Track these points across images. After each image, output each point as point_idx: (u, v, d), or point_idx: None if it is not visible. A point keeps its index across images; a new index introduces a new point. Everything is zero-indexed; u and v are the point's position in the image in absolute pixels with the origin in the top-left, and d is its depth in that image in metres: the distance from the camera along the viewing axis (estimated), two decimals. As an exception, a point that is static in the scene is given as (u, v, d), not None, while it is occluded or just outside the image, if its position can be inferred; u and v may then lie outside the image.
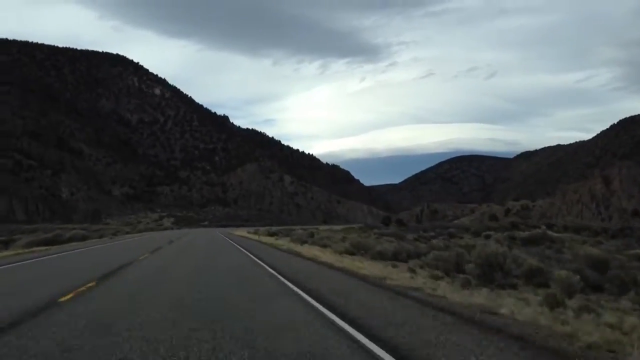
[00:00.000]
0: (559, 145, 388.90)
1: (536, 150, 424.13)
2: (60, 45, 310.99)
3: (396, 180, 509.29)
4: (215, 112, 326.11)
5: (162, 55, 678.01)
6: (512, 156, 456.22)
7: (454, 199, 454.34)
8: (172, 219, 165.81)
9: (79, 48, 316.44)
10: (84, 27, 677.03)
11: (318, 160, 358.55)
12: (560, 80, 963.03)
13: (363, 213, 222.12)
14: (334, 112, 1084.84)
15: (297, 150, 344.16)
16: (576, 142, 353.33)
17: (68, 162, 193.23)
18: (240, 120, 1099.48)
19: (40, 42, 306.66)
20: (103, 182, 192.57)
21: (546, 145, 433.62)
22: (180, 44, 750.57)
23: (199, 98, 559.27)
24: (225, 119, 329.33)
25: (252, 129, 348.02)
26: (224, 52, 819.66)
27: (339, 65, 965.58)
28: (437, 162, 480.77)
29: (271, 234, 54.85)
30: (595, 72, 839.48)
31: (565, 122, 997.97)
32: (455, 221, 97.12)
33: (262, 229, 78.97)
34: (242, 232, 73.25)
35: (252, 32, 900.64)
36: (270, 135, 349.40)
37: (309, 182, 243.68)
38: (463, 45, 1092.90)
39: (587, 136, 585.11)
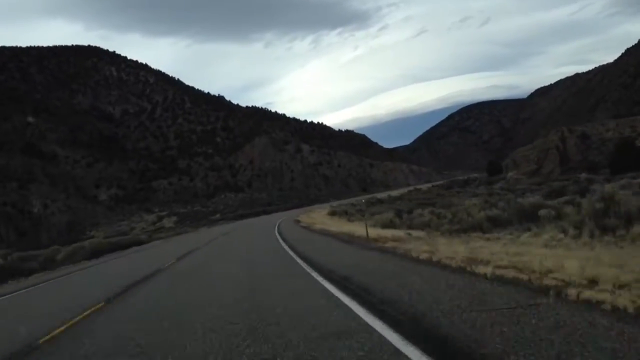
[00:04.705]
0: (577, 75, 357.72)
1: (551, 85, 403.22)
2: (24, 45, 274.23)
3: (406, 141, 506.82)
4: (208, 92, 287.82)
5: (152, 55, 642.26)
6: (524, 96, 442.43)
7: (476, 149, 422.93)
8: (174, 218, 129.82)
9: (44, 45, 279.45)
10: (70, 41, 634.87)
11: (330, 128, 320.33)
12: (554, 15, 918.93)
13: (404, 174, 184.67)
14: (332, 85, 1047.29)
15: (306, 120, 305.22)
16: (596, 67, 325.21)
17: (39, 170, 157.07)
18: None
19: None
20: (85, 187, 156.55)
21: (561, 78, 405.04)
22: (168, 41, 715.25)
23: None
24: (220, 98, 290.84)
25: (253, 105, 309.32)
26: (214, 43, 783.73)
27: (331, 37, 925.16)
28: (445, 115, 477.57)
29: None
30: (588, 1, 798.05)
31: (566, 56, 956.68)
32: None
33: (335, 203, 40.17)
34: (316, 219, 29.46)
35: (240, 18, 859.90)
36: (273, 111, 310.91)
37: (331, 149, 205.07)
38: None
39: (586, 68, 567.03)
